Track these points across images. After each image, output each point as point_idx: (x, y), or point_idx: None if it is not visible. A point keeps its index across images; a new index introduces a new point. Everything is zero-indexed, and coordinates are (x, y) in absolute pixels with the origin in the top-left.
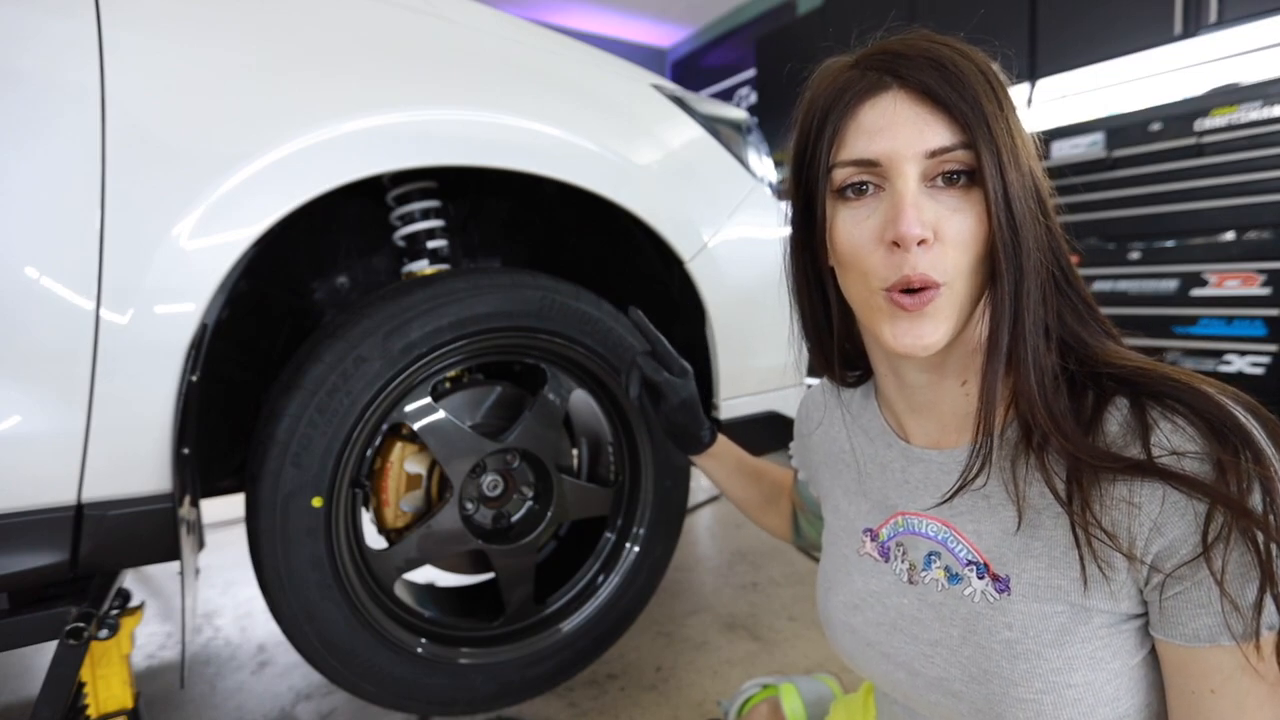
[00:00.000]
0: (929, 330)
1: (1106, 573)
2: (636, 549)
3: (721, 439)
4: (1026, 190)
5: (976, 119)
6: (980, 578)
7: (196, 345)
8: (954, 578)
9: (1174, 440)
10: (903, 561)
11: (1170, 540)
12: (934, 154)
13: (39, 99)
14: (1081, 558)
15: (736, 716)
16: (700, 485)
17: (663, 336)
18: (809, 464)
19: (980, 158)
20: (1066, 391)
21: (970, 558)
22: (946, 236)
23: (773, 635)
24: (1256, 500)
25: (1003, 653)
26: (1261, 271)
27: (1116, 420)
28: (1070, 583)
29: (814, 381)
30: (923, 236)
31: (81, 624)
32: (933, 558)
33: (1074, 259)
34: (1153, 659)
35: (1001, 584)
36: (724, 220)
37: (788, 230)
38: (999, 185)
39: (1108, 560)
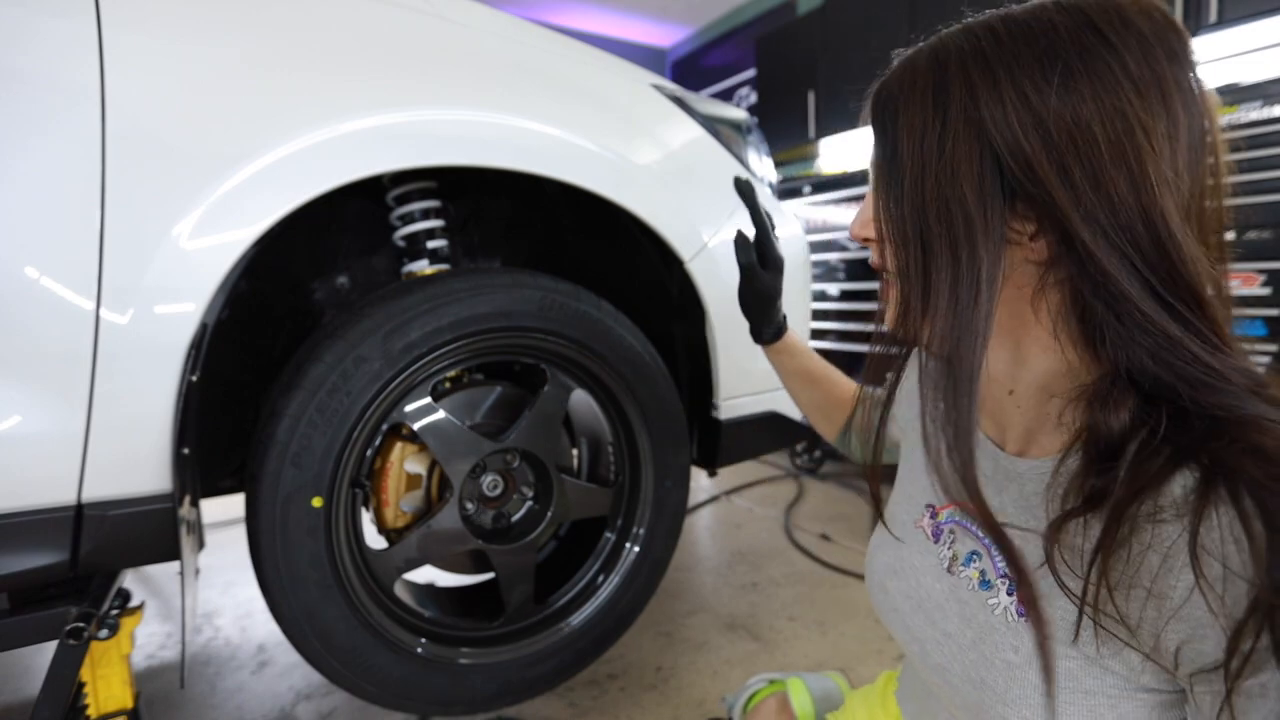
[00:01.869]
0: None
1: (1121, 643)
2: (636, 549)
3: (787, 341)
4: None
5: (886, 139)
6: (1009, 594)
7: (196, 345)
8: (985, 584)
9: (1225, 549)
10: (949, 549)
11: (1194, 647)
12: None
13: (39, 99)
14: (1096, 627)
15: (743, 711)
16: (700, 485)
17: (770, 224)
18: (901, 414)
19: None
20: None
21: (1006, 571)
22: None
23: (773, 635)
24: None
25: (1003, 670)
26: (1261, 271)
27: (1180, 485)
28: (1091, 634)
29: None
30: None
31: (81, 624)
32: (974, 557)
33: (1234, 276)
34: None
35: (1024, 609)
36: (724, 220)
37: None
38: (887, 189)
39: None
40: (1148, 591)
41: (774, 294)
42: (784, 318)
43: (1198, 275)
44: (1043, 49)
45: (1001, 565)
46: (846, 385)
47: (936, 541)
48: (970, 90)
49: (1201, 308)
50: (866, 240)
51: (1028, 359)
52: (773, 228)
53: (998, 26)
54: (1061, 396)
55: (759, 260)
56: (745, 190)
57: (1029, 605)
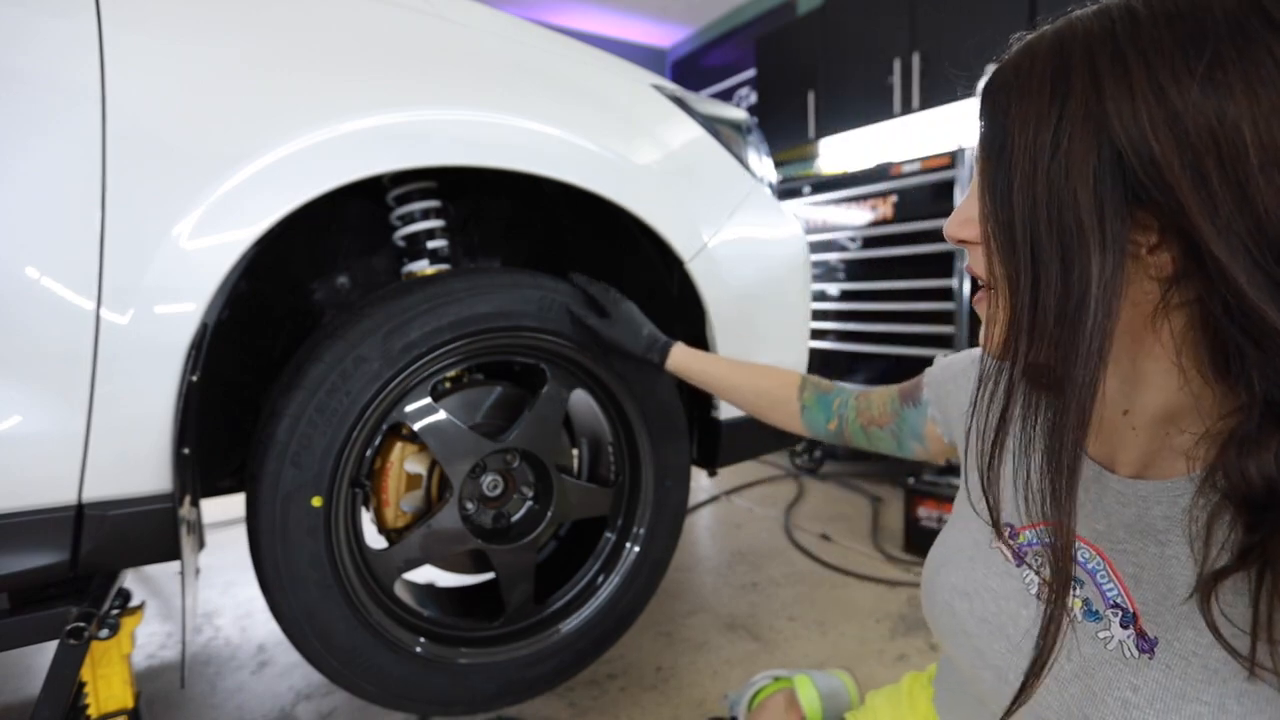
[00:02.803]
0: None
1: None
2: (636, 549)
3: (675, 356)
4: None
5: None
6: (1124, 627)
7: (197, 345)
8: (1091, 614)
9: None
10: (1036, 573)
11: None
12: None
13: (39, 99)
14: (1255, 622)
15: (748, 709)
16: (700, 485)
17: (601, 289)
18: (948, 414)
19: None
20: None
21: (1118, 601)
22: None
23: (773, 635)
24: None
25: (1116, 709)
26: None
27: None
28: (1230, 670)
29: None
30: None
31: (82, 624)
32: (1073, 584)
33: None
34: None
35: (1147, 644)
36: (724, 220)
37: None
38: (992, 189)
39: None
40: None
41: (619, 339)
42: (662, 340)
43: None
44: (1188, 32)
45: (1112, 594)
46: (777, 372)
47: (1019, 565)
48: (1095, 80)
49: None
50: (963, 242)
51: (1145, 380)
52: (605, 290)
53: (1138, 5)
54: (1189, 432)
55: (598, 312)
56: (574, 280)
57: (1051, 616)
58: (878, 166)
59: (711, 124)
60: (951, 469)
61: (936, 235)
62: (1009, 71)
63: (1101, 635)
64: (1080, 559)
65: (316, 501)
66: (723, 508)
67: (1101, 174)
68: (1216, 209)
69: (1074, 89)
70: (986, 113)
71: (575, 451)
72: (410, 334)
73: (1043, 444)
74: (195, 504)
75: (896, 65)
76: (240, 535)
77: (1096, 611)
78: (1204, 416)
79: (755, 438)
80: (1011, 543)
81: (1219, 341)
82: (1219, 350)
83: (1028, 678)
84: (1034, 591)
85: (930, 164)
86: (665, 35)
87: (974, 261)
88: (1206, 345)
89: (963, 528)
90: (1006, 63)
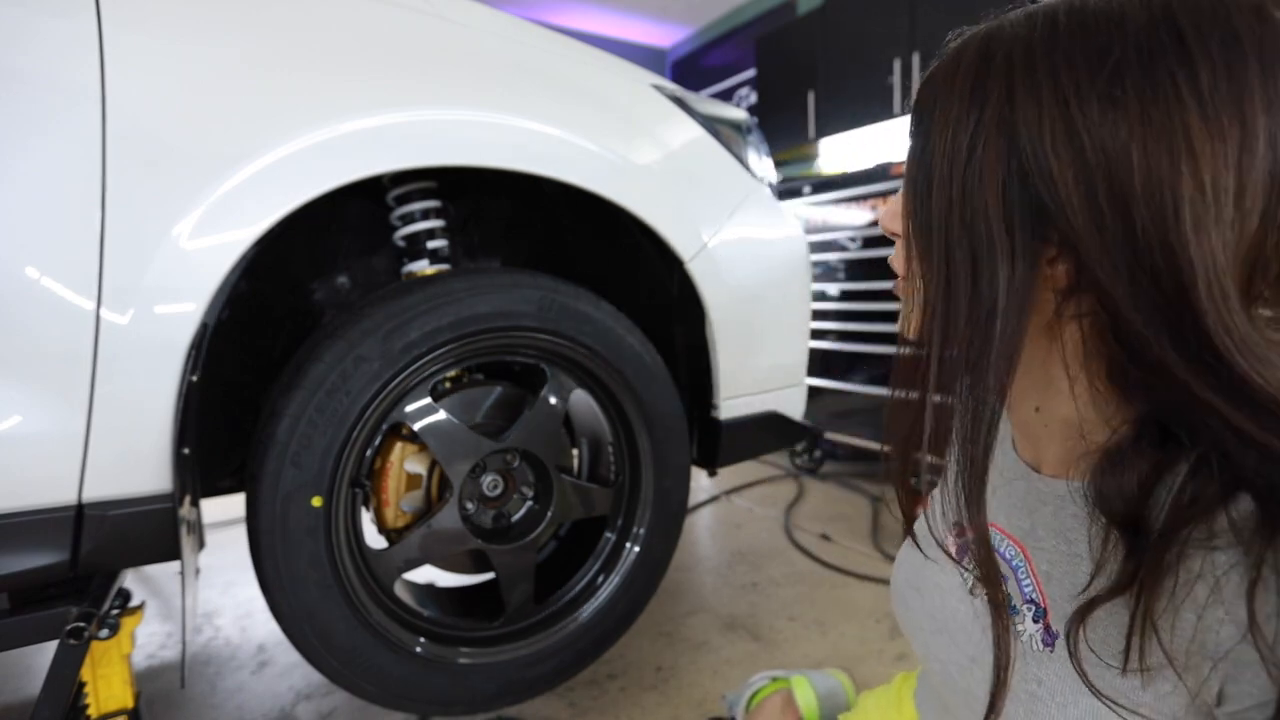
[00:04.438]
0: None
1: (1154, 678)
2: (636, 549)
3: None
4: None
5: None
6: (1035, 621)
7: (197, 345)
8: (1012, 609)
9: None
10: (974, 569)
11: (1240, 687)
12: None
13: (39, 99)
14: (1127, 650)
15: (745, 709)
16: (700, 485)
17: None
18: None
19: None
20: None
21: (1032, 596)
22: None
23: (773, 635)
24: None
25: (1025, 702)
26: None
27: (1235, 511)
28: (1117, 668)
29: (813, 382)
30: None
31: (82, 624)
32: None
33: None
34: None
35: (1050, 638)
36: (724, 220)
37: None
38: (913, 180)
39: (1160, 666)
40: (1194, 629)
41: None
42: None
43: (1221, 331)
44: (1098, 47)
45: (1028, 590)
46: None
47: (961, 561)
48: (1009, 88)
49: (1226, 365)
50: (894, 234)
51: (1052, 384)
52: None
53: (1059, 15)
54: (1092, 438)
55: None
56: None
57: (995, 620)
58: (878, 166)
59: (711, 124)
60: None
61: None
62: (939, 71)
63: (1018, 628)
64: (1006, 555)
65: (316, 501)
66: (723, 508)
67: (1010, 184)
68: (1103, 230)
69: (990, 96)
70: (915, 111)
71: (575, 451)
72: (410, 334)
73: (956, 447)
74: (195, 504)
75: (896, 65)
76: (240, 535)
77: (1015, 607)
78: (1103, 425)
79: (755, 438)
80: (958, 540)
81: (1114, 355)
82: (1114, 363)
83: (994, 693)
84: (969, 588)
85: None
86: (665, 35)
87: (896, 253)
88: (1104, 356)
89: (922, 523)
90: (939, 64)
